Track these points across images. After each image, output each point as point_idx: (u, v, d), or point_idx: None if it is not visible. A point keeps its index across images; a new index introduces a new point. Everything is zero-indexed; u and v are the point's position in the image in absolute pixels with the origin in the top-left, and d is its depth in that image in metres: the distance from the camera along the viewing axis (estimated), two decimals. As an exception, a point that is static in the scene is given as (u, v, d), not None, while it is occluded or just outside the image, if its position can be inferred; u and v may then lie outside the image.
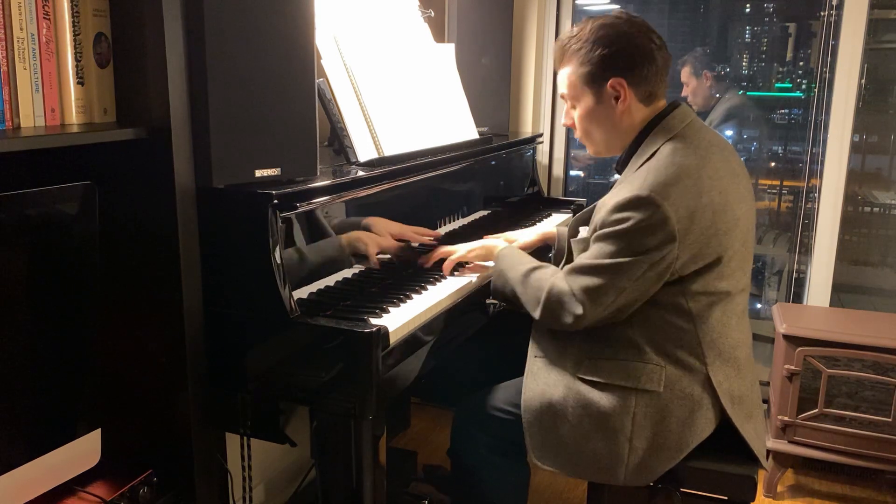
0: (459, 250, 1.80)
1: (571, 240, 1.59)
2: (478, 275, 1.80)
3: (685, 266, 1.43)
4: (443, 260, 1.80)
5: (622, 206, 1.41)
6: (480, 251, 1.80)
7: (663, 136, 1.49)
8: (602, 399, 1.49)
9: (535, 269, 1.59)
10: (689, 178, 1.41)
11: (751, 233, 1.55)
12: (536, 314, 1.54)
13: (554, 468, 1.55)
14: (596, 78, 1.52)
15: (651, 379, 1.48)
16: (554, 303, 1.49)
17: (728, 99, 3.25)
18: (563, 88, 1.61)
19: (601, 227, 1.45)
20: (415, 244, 1.87)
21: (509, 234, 2.00)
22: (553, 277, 1.52)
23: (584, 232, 1.57)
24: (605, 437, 1.49)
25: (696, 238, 1.41)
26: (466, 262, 1.83)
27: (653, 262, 1.40)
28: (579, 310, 1.45)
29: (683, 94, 3.27)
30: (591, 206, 1.58)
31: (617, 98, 1.52)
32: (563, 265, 1.62)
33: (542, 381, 1.57)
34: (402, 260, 1.80)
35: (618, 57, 1.50)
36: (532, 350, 1.63)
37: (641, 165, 1.48)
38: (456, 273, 1.81)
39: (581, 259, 1.48)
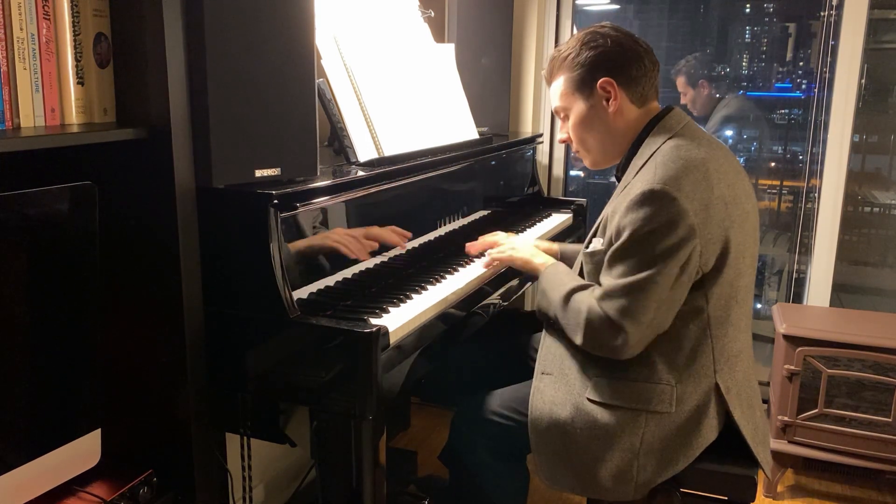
0: (505, 251, 1.79)
1: (582, 252, 1.55)
2: (478, 275, 1.80)
3: (707, 261, 1.40)
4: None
5: (636, 204, 1.37)
6: (524, 265, 1.75)
7: (663, 136, 1.48)
8: (611, 420, 1.47)
9: (574, 290, 1.50)
10: (698, 170, 1.39)
11: (757, 231, 1.54)
12: (578, 341, 1.47)
13: (564, 489, 1.55)
14: (586, 81, 1.53)
15: (662, 400, 1.45)
16: (595, 330, 1.43)
17: (727, 104, 3.24)
18: (555, 101, 1.60)
19: (618, 237, 1.40)
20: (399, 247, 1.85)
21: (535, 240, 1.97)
22: (588, 304, 1.44)
23: (596, 243, 1.50)
24: (614, 458, 1.47)
25: (714, 231, 1.39)
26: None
27: (681, 263, 1.36)
28: (622, 336, 1.39)
29: (682, 102, 3.26)
30: (601, 218, 1.52)
31: (608, 99, 1.52)
32: None
33: (549, 399, 1.54)
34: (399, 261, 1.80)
35: (605, 57, 1.51)
36: (539, 366, 1.59)
37: (643, 165, 1.46)
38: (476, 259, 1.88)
39: (611, 280, 1.41)
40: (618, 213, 1.42)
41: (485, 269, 1.82)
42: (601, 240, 1.49)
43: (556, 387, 1.54)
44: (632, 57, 1.51)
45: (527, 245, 1.81)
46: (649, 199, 1.36)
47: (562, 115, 1.61)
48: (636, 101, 1.53)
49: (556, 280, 1.58)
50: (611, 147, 1.57)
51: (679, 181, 1.36)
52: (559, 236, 2.36)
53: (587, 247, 1.54)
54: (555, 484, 1.54)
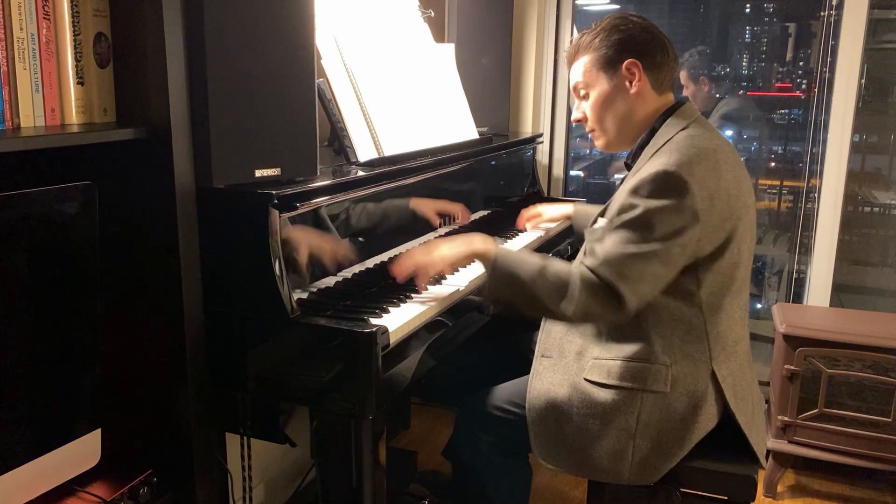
0: (436, 262, 1.59)
1: (586, 230, 1.59)
2: (478, 275, 1.80)
3: (703, 248, 1.43)
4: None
5: (648, 183, 1.39)
6: (469, 253, 1.60)
7: (677, 127, 1.52)
8: (607, 399, 1.49)
9: (548, 264, 1.47)
10: (709, 159, 1.43)
11: (755, 226, 1.57)
12: (568, 312, 1.43)
13: (558, 467, 1.55)
14: (612, 60, 1.57)
15: (658, 380, 1.48)
16: (591, 296, 1.41)
17: (727, 102, 3.24)
18: (577, 78, 1.63)
19: (623, 211, 1.41)
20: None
21: (539, 208, 2.19)
22: (579, 271, 1.43)
23: (601, 222, 1.53)
24: (610, 437, 1.49)
25: (715, 220, 1.42)
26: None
27: (682, 244, 1.40)
28: (617, 300, 1.40)
29: (683, 94, 3.26)
30: (608, 202, 1.55)
31: (631, 80, 1.55)
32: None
33: (547, 380, 1.57)
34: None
35: (634, 40, 1.56)
36: (539, 349, 1.63)
37: (656, 152, 1.48)
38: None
39: (614, 248, 1.41)
40: (624, 192, 1.45)
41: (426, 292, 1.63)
42: (605, 220, 1.52)
43: (555, 369, 1.58)
44: (657, 44, 1.56)
45: (446, 241, 1.64)
46: (662, 179, 1.39)
47: (582, 92, 1.64)
48: (656, 88, 1.57)
49: (519, 261, 1.51)
50: (627, 129, 1.60)
51: (692, 167, 1.40)
52: (559, 237, 2.35)
53: (591, 225, 1.58)
54: (549, 462, 1.56)
